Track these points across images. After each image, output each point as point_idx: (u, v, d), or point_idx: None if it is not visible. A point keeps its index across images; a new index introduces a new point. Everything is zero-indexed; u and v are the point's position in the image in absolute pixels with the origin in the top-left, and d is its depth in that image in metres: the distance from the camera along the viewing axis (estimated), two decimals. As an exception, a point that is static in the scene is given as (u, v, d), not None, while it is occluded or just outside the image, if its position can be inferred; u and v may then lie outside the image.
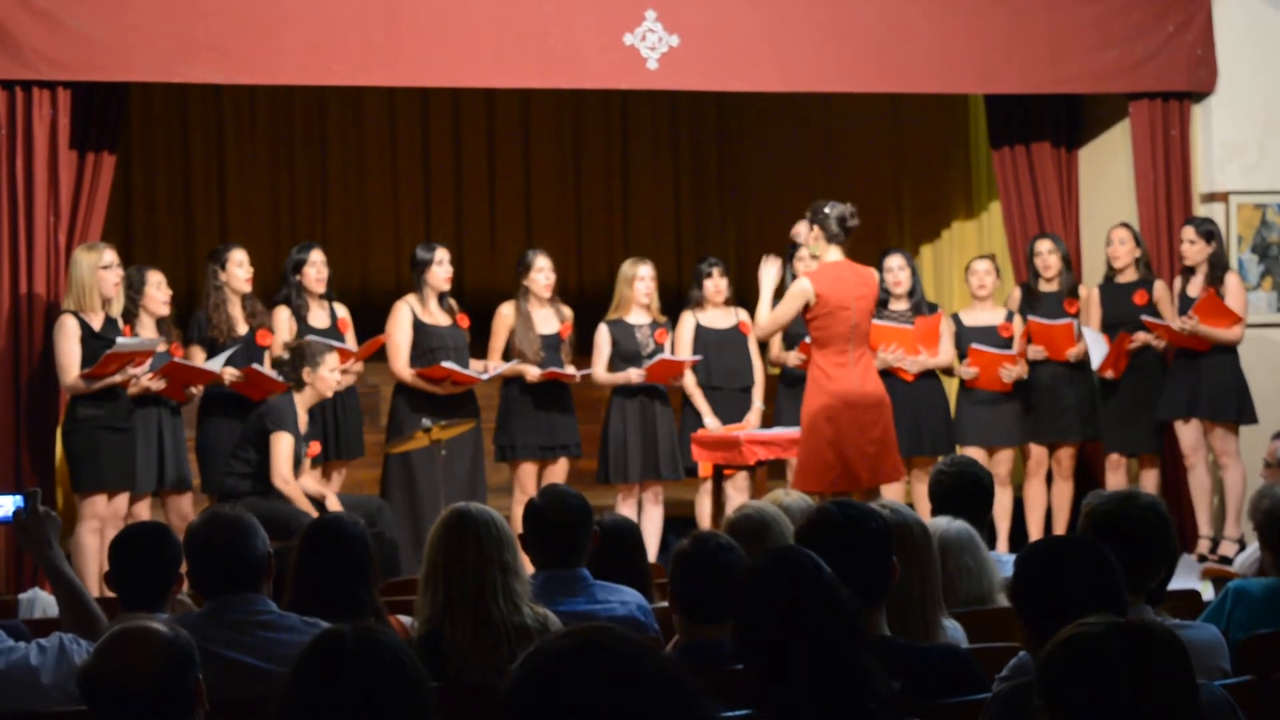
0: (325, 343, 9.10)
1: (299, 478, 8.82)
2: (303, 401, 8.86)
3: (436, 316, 9.68)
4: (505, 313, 9.81)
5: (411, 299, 9.69)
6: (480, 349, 9.88)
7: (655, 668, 2.61)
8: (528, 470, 9.73)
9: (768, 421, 10.11)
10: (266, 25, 9.12)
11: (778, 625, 3.32)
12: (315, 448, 9.11)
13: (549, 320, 9.84)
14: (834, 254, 8.26)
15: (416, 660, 2.93)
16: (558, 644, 2.62)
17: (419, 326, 9.61)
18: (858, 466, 8.22)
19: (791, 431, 9.02)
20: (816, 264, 8.38)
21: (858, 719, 3.26)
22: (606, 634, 2.65)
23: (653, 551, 9.39)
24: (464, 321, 9.79)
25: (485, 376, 9.61)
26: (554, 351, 9.77)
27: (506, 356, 9.73)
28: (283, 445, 8.68)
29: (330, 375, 8.88)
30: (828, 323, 8.18)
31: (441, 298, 9.72)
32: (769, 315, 8.41)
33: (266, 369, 9.13)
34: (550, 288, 9.82)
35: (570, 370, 9.76)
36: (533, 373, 9.64)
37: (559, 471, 9.71)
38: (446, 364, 9.42)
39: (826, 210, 8.25)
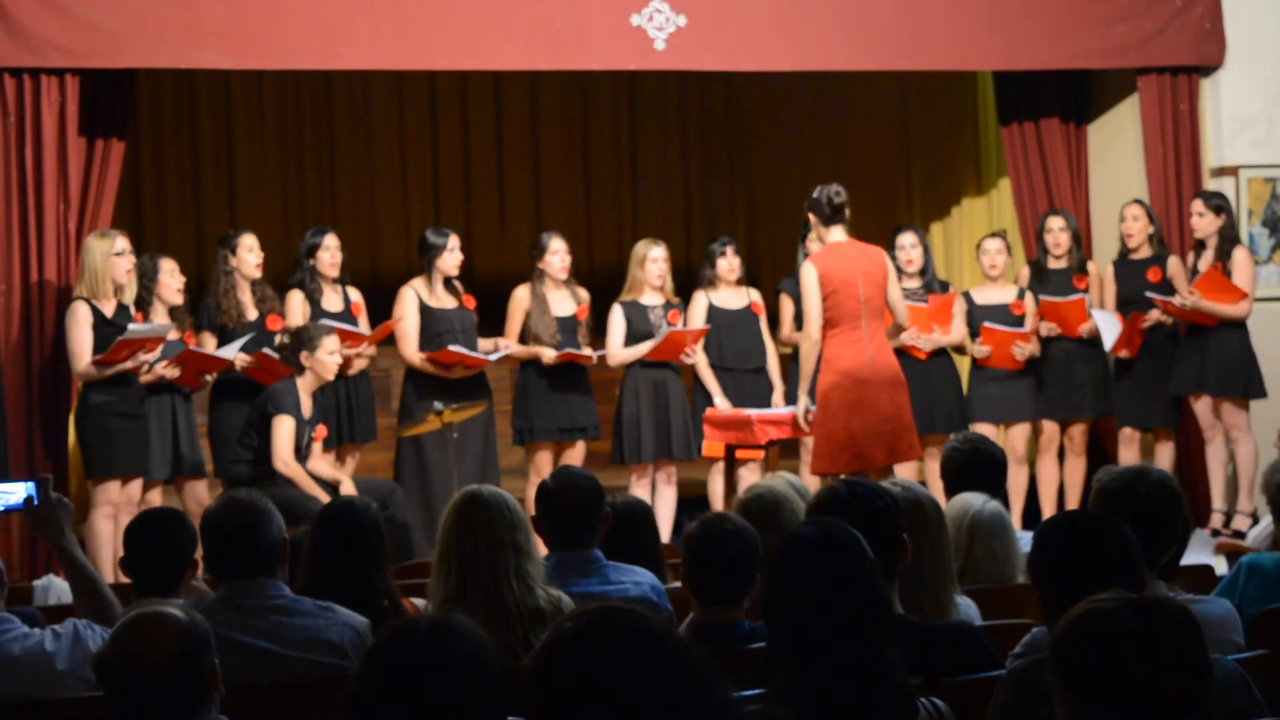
0: (326, 325, 9.07)
1: (309, 461, 8.84)
2: (305, 385, 8.85)
3: (443, 300, 9.67)
4: (521, 295, 9.80)
5: (418, 283, 9.69)
6: (490, 330, 9.87)
7: (668, 645, 2.64)
8: (544, 453, 9.72)
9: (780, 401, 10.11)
10: (273, 10, 9.12)
11: (811, 599, 3.31)
12: (322, 430, 9.09)
13: (565, 302, 9.83)
14: (837, 234, 8.35)
15: (492, 651, 2.87)
16: (573, 625, 2.66)
17: (426, 311, 9.61)
18: (872, 445, 8.22)
19: (803, 411, 9.03)
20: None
21: (873, 702, 3.26)
22: (617, 614, 2.67)
23: (666, 532, 9.40)
24: (470, 303, 9.79)
25: (494, 357, 9.61)
26: (570, 334, 9.76)
27: (523, 339, 9.73)
28: (283, 428, 8.68)
29: (329, 358, 8.86)
30: (836, 300, 8.24)
31: (448, 281, 9.72)
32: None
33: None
34: (566, 270, 9.81)
35: (587, 352, 9.75)
36: (549, 355, 9.63)
37: (576, 454, 9.70)
38: (454, 348, 9.41)
39: (814, 195, 8.39)
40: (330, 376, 8.96)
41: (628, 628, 2.66)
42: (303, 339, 8.86)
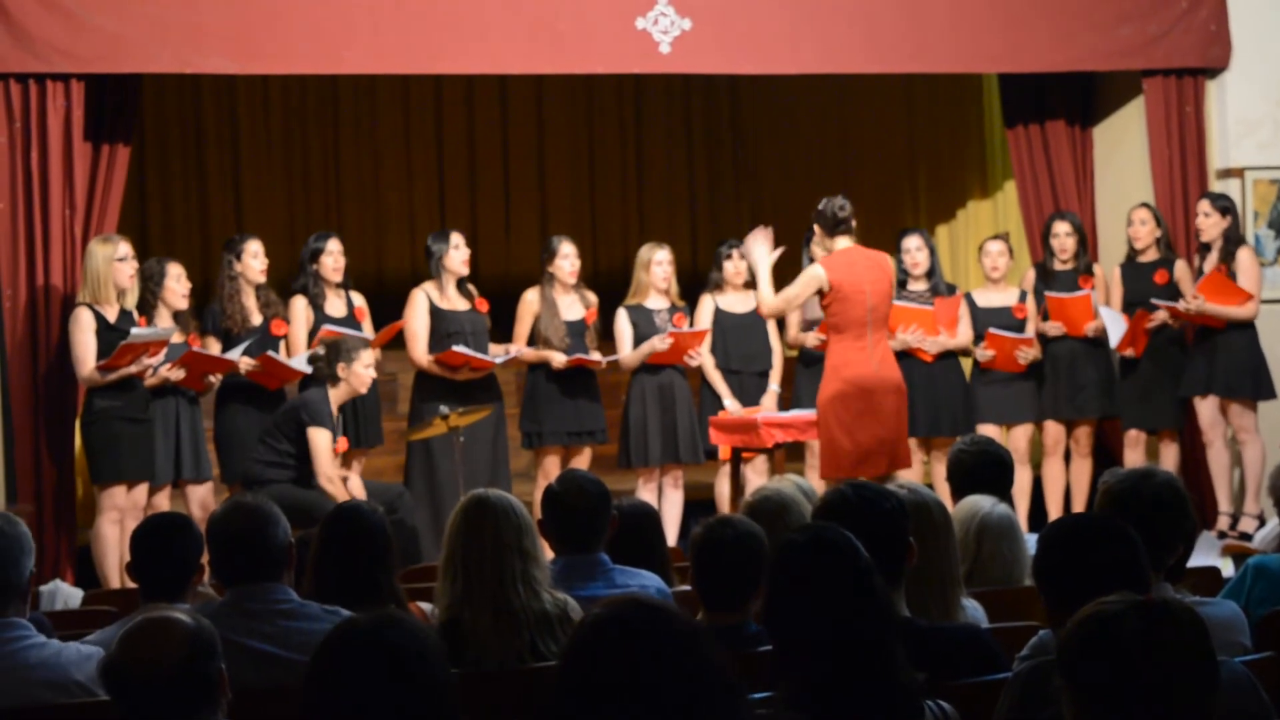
0: (362, 338, 9.11)
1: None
2: (336, 396, 8.88)
3: (454, 302, 9.67)
4: (530, 299, 9.80)
5: (429, 286, 9.68)
6: (502, 333, 9.87)
7: (690, 640, 2.68)
8: (552, 457, 9.71)
9: (786, 404, 10.11)
10: (278, 15, 9.13)
11: (809, 604, 3.31)
12: (343, 443, 9.09)
13: (574, 306, 9.82)
14: (844, 243, 8.29)
15: (438, 646, 2.92)
16: (597, 614, 2.72)
17: (436, 313, 9.60)
18: (875, 453, 8.20)
19: (810, 414, 9.02)
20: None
21: (878, 704, 3.26)
22: (642, 606, 2.72)
23: (673, 536, 9.39)
24: (483, 306, 9.78)
25: (501, 360, 9.60)
26: (579, 338, 9.75)
27: (531, 343, 9.73)
28: (324, 443, 8.70)
29: (365, 372, 8.91)
30: (843, 308, 8.18)
31: (460, 283, 9.72)
32: (777, 294, 8.38)
33: (282, 357, 9.15)
34: (575, 274, 9.80)
35: (596, 356, 9.74)
36: (559, 359, 9.63)
37: (584, 459, 9.70)
38: (459, 348, 9.41)
39: (820, 208, 8.33)
40: (364, 390, 9.00)
41: (651, 620, 2.68)
42: (340, 351, 8.89)
